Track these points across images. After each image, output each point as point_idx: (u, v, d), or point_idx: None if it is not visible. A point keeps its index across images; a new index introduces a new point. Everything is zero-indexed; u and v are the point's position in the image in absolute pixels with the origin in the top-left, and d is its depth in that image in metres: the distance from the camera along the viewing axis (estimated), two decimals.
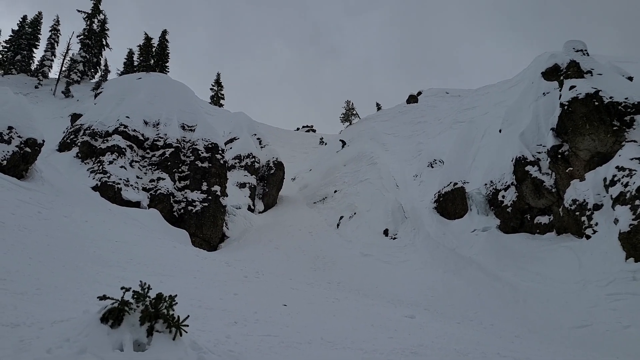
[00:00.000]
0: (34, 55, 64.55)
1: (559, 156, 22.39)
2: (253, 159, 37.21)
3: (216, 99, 72.13)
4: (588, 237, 19.66)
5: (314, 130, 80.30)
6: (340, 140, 49.20)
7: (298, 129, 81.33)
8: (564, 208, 21.28)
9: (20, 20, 63.40)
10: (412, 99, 56.28)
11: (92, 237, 15.38)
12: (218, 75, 74.39)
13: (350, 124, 62.52)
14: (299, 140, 65.22)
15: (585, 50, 24.75)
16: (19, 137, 20.39)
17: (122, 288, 5.25)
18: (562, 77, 24.09)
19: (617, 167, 19.28)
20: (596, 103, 21.54)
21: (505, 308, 18.06)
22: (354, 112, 65.10)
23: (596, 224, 19.48)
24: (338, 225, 31.06)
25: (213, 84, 73.39)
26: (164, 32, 65.69)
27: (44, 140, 21.60)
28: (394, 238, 27.62)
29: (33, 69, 63.55)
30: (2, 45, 61.46)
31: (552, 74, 25.19)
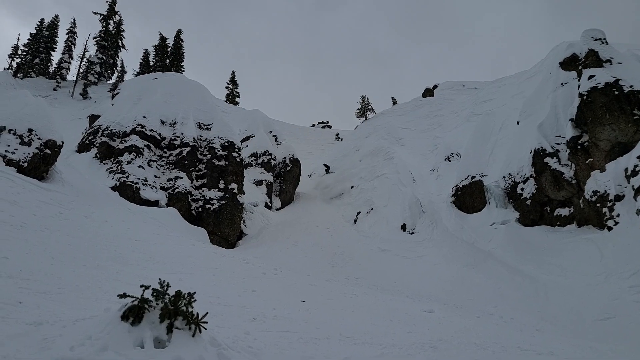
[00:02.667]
0: (51, 58, 65.46)
1: (579, 147, 22.03)
2: (269, 156, 37.29)
3: (231, 97, 72.50)
4: (610, 228, 19.34)
5: (329, 127, 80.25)
6: (324, 164, 44.04)
7: (314, 125, 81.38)
8: (585, 199, 20.95)
9: (38, 23, 64.31)
10: (428, 93, 55.86)
11: (112, 237, 15.60)
12: (233, 73, 74.94)
13: (366, 119, 62.42)
14: (315, 136, 65.15)
15: (604, 38, 24.30)
16: (39, 139, 20.71)
17: (141, 286, 5.31)
18: (580, 67, 23.69)
19: (638, 157, 18.91)
20: (616, 92, 21.15)
21: (525, 301, 17.86)
22: (370, 107, 65.06)
23: (618, 215, 19.15)
24: (355, 220, 31.02)
25: (228, 82, 73.85)
26: (179, 32, 66.32)
27: (63, 142, 21.94)
28: (412, 233, 27.48)
29: (51, 71, 64.43)
30: (21, 49, 62.51)
31: (571, 63, 24.81)
